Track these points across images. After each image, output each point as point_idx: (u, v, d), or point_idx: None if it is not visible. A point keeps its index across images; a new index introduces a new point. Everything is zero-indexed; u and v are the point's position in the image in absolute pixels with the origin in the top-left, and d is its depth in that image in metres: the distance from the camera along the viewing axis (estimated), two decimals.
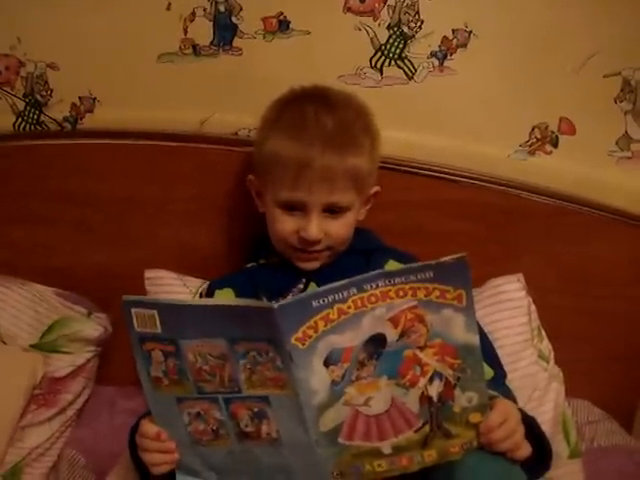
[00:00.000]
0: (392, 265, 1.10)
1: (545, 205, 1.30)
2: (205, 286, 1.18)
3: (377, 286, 0.76)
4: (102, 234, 1.33)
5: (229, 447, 0.84)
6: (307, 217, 1.04)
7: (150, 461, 0.88)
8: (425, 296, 0.77)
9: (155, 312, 0.78)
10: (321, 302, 0.76)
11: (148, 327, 0.78)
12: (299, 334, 0.75)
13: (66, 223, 1.33)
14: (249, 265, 1.18)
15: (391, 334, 0.78)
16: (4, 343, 1.23)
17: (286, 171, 1.03)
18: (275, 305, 0.74)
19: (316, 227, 1.04)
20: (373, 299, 0.77)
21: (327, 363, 0.77)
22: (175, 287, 1.27)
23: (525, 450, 0.86)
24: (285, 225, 1.06)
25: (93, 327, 1.28)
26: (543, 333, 1.26)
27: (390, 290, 0.77)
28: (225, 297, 1.11)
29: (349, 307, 0.76)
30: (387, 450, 0.81)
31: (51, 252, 1.34)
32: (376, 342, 0.78)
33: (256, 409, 0.80)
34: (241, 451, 0.84)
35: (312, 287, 1.09)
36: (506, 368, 1.11)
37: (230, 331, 0.77)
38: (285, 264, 1.11)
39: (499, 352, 1.16)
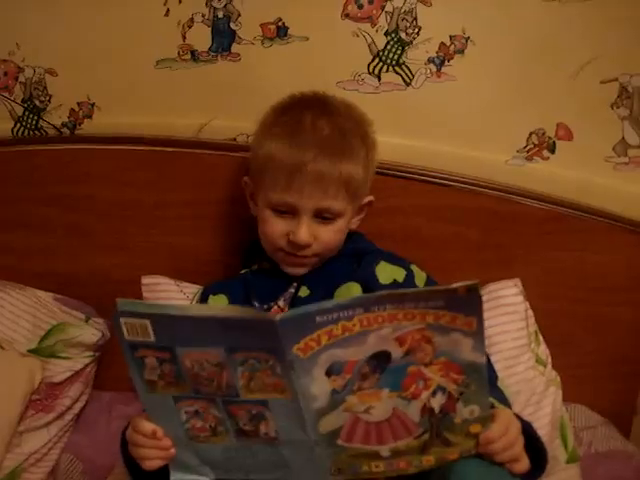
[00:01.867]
0: (383, 267, 1.09)
1: (541, 210, 1.30)
2: (199, 292, 1.18)
3: (385, 309, 0.74)
4: (100, 239, 1.33)
5: (226, 443, 0.83)
6: (297, 221, 1.04)
7: (143, 456, 0.86)
8: (434, 320, 0.75)
9: (148, 322, 0.75)
10: (325, 318, 0.73)
11: (140, 336, 0.76)
12: (301, 345, 0.74)
13: (64, 228, 1.33)
14: (243, 271, 1.18)
15: (396, 352, 0.76)
16: (2, 348, 1.23)
17: (279, 173, 1.03)
18: (277, 318, 0.72)
19: (306, 231, 1.04)
20: (380, 320, 0.75)
21: (329, 373, 0.76)
22: (172, 293, 1.26)
23: (523, 464, 0.85)
24: (275, 227, 1.06)
25: (91, 332, 1.28)
26: (540, 338, 1.26)
27: (398, 313, 0.74)
28: (218, 304, 1.11)
29: (354, 325, 0.74)
30: (385, 453, 0.81)
31: (49, 257, 1.34)
32: (380, 358, 0.77)
33: (254, 411, 0.80)
34: (238, 447, 0.83)
35: (303, 291, 1.09)
36: (503, 373, 1.11)
37: (228, 340, 0.76)
38: (276, 269, 1.11)
39: (496, 357, 1.17)
